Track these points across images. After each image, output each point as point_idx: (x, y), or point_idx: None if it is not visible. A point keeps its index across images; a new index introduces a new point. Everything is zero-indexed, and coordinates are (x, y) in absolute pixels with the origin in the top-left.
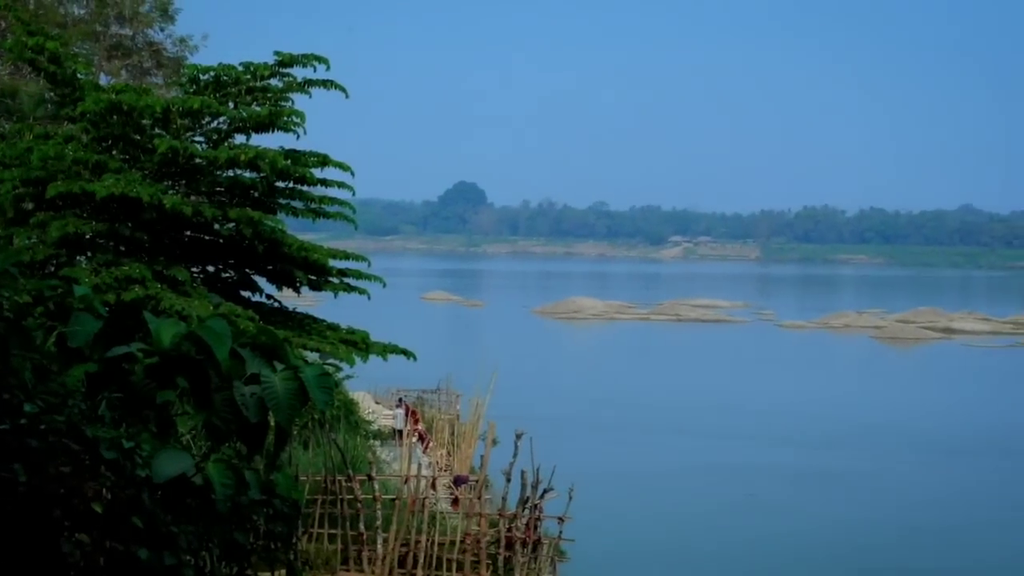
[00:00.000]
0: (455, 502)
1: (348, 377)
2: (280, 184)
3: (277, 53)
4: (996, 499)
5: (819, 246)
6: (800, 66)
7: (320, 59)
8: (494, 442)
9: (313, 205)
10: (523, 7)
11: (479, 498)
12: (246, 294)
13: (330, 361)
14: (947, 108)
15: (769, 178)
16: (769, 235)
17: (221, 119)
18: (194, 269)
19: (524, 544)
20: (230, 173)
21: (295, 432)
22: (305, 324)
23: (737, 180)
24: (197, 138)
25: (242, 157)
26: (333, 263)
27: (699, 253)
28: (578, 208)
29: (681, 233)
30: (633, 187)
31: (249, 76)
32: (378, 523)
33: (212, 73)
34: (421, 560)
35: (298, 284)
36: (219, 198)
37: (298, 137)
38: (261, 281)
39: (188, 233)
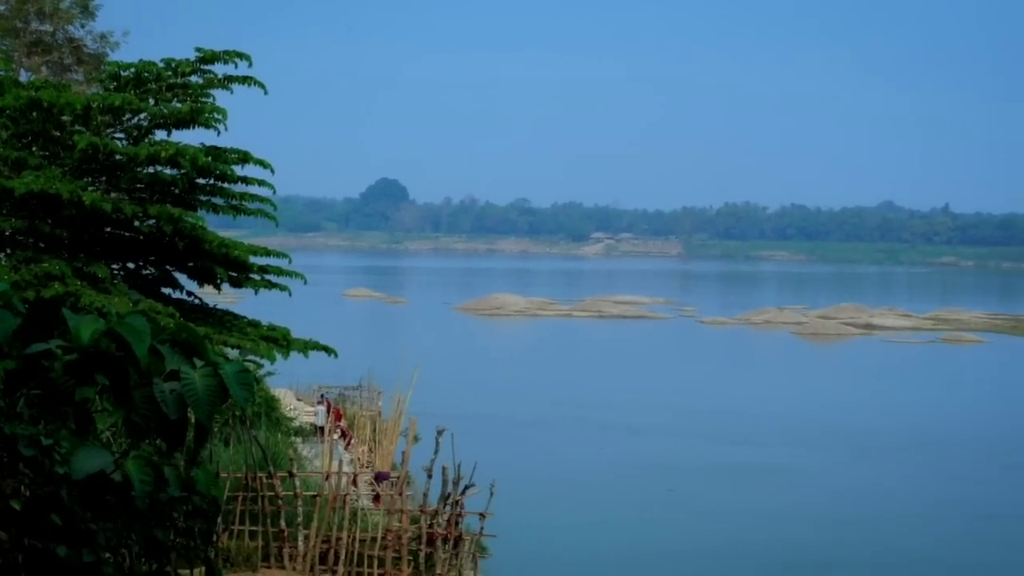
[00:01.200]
0: (376, 498)
1: (269, 374)
2: (201, 181)
3: (198, 49)
4: (914, 493)
5: (741, 243)
6: (721, 64)
7: (241, 56)
8: (416, 439)
9: (234, 202)
10: (445, 2)
11: (400, 494)
12: (167, 291)
13: (250, 358)
14: (866, 106)
15: (691, 175)
16: (691, 232)
17: (142, 115)
18: (114, 266)
19: (445, 540)
20: (150, 170)
21: (216, 429)
22: (226, 321)
23: (659, 177)
24: (117, 134)
25: (163, 154)
26: (254, 260)
27: (621, 250)
28: (500, 205)
29: (603, 230)
30: (555, 184)
31: (170, 73)
32: (299, 520)
33: (133, 70)
34: (342, 557)
35: (219, 281)
36: (139, 195)
37: (219, 133)
38: (182, 278)
39: (108, 230)
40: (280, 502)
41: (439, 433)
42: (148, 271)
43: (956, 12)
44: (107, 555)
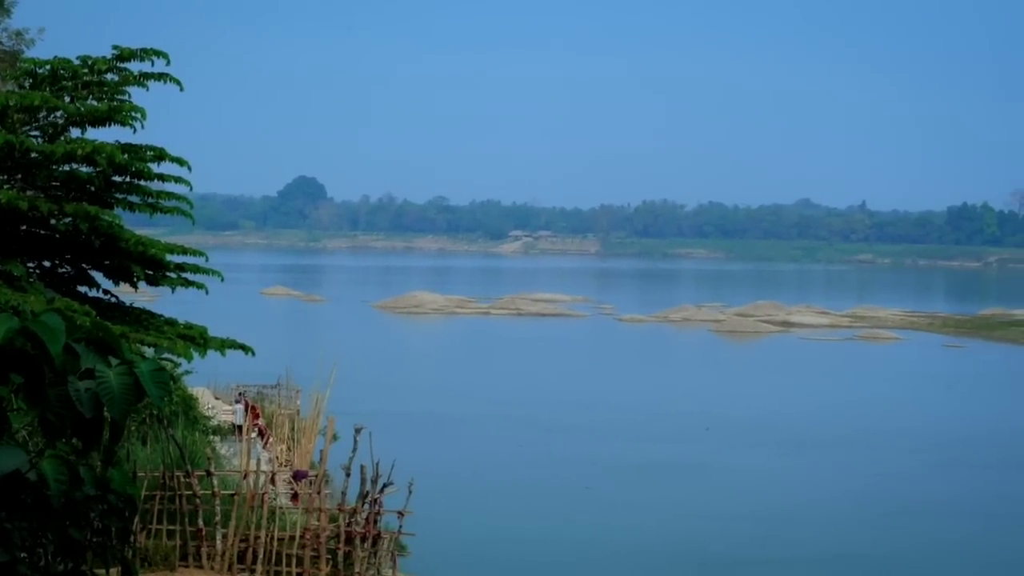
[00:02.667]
0: (295, 497)
1: (187, 373)
2: (117, 178)
3: (115, 47)
4: (832, 489)
5: (658, 240)
6: (639, 64)
7: (159, 53)
8: (334, 437)
9: (150, 200)
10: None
11: (319, 493)
12: (83, 289)
13: (167, 356)
14: (784, 102)
15: (609, 173)
16: (609, 230)
17: (58, 113)
18: (30, 264)
19: (364, 539)
20: (66, 168)
21: (134, 428)
22: (142, 319)
23: (577, 175)
24: (33, 132)
25: (79, 152)
26: (171, 258)
27: (539, 248)
28: (418, 203)
29: (521, 228)
30: (473, 182)
31: (87, 70)
32: (217, 519)
33: (49, 67)
34: (261, 556)
35: (135, 279)
36: (55, 193)
37: (135, 131)
38: (98, 276)
39: (24, 228)
40: (198, 501)
41: (357, 431)
42: (64, 269)
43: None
44: (22, 554)
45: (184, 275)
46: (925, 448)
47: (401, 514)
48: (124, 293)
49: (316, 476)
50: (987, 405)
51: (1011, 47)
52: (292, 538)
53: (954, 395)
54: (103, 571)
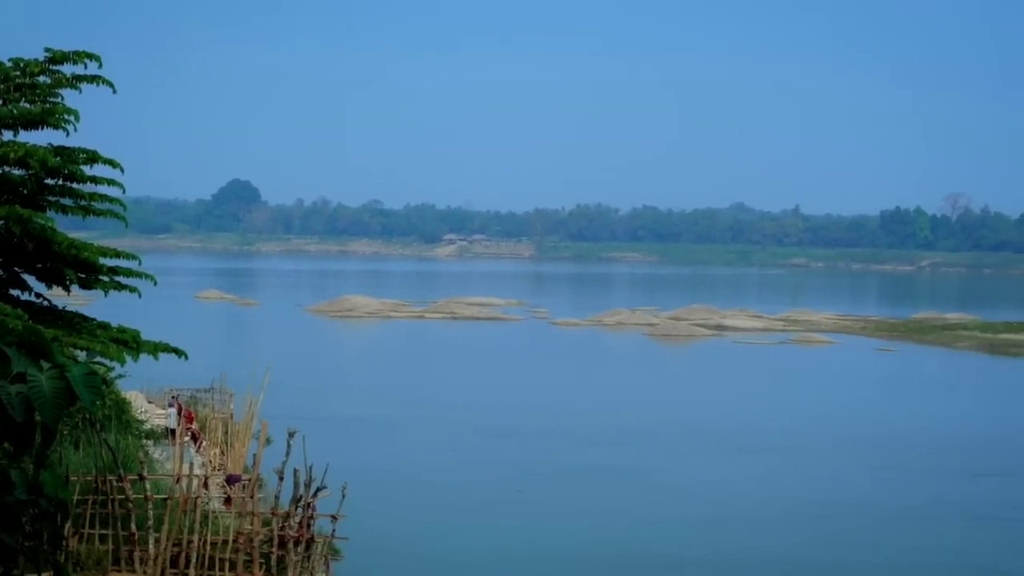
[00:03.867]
0: (228, 501)
1: (120, 376)
2: (50, 181)
3: (48, 49)
4: (764, 493)
5: (593, 244)
6: (569, 67)
7: (91, 56)
8: (267, 441)
9: (83, 202)
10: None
11: (252, 497)
12: (15, 292)
13: (99, 360)
14: (715, 106)
15: (543, 177)
16: (543, 233)
17: None
18: None
19: (297, 543)
20: None
21: (66, 432)
22: (75, 323)
23: (511, 179)
24: None
25: (11, 155)
26: (104, 261)
27: (474, 251)
28: (352, 207)
29: (456, 231)
30: (407, 185)
31: (18, 73)
32: (150, 523)
33: None
34: (193, 560)
35: (68, 282)
36: None
37: (68, 134)
38: (31, 280)
39: None
40: (130, 505)
41: (290, 435)
42: None
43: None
44: None
45: (117, 279)
46: (859, 452)
47: (334, 518)
48: (57, 296)
49: (249, 480)
50: (920, 409)
51: (945, 51)
52: (225, 542)
53: (887, 398)
54: (35, 575)
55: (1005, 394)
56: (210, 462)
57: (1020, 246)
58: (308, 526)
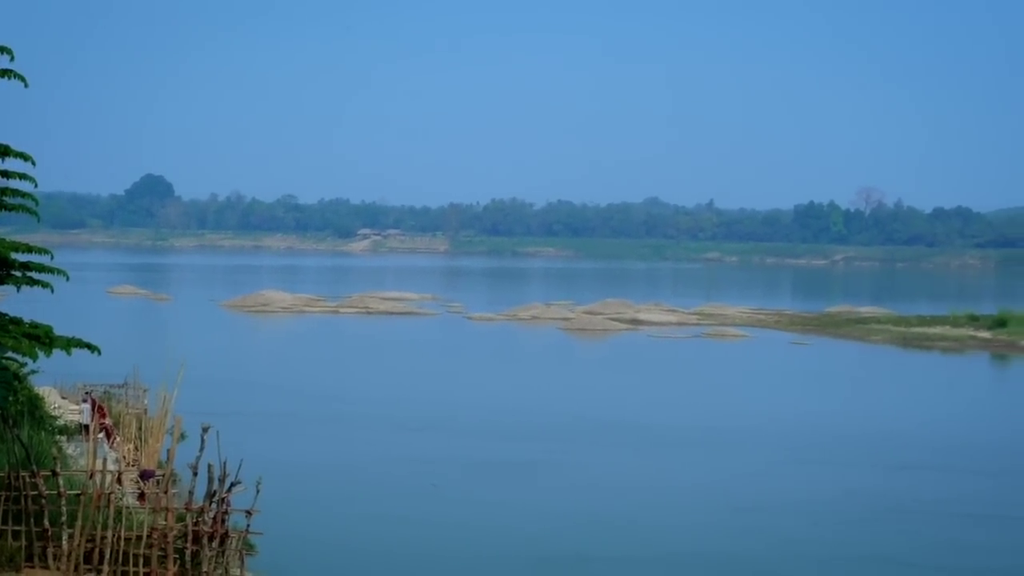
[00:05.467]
0: (142, 497)
1: (33, 372)
2: None
3: None
4: (677, 487)
5: (508, 239)
6: (485, 63)
7: (3, 49)
8: (181, 436)
9: None
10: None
11: (166, 492)
12: None
13: (11, 355)
14: (629, 103)
15: (457, 171)
16: (458, 228)
17: None
18: None
19: (211, 538)
20: None
21: None
22: None
23: (426, 173)
24: None
25: None
26: (15, 256)
27: (388, 246)
28: (267, 201)
29: (370, 226)
30: (321, 180)
31: None
32: (63, 519)
33: None
34: (107, 556)
35: None
36: None
37: None
38: None
39: None
40: (43, 501)
41: (204, 430)
42: None
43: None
44: None
45: (29, 274)
46: (775, 445)
47: (249, 513)
48: None
49: (163, 475)
50: (834, 402)
51: (859, 45)
52: (139, 538)
53: (801, 392)
54: None
55: (919, 387)
56: (124, 458)
57: (932, 240)
58: (222, 521)
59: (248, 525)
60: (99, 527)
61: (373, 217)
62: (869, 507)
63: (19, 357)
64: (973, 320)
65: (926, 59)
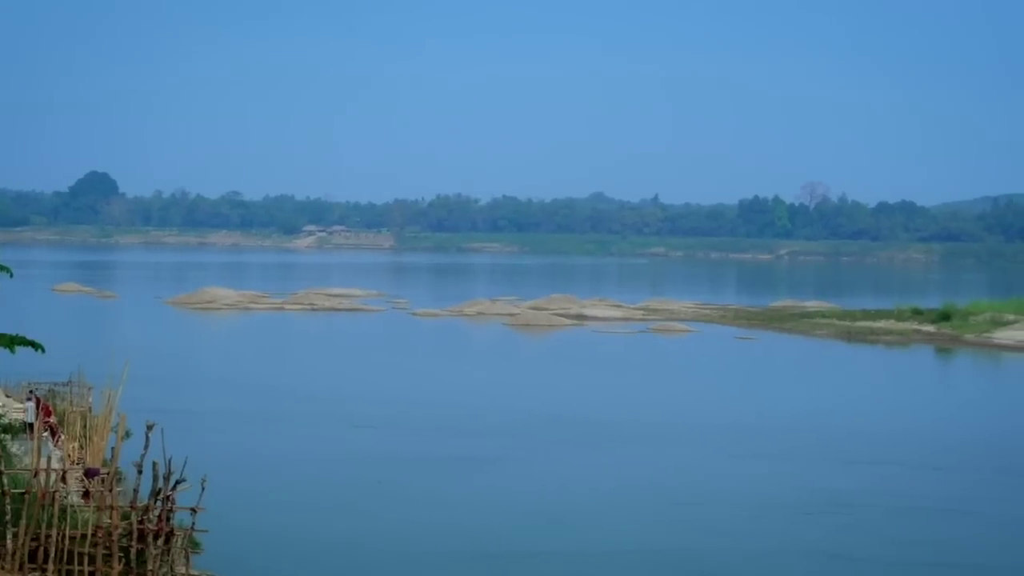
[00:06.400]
0: (87, 495)
1: None
2: None
3: None
4: (624, 483)
5: (453, 234)
6: (431, 58)
7: None
8: (126, 434)
9: None
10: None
11: (111, 491)
12: None
13: None
14: (574, 95)
15: (403, 167)
16: (403, 224)
17: None
18: None
19: (157, 536)
20: None
21: None
22: None
23: (371, 169)
24: None
25: None
26: None
27: (333, 243)
28: (211, 198)
29: (315, 223)
30: (266, 177)
31: None
32: (8, 518)
33: None
34: (52, 554)
35: None
36: None
37: None
38: None
39: None
40: None
41: (149, 428)
42: None
43: None
44: None
45: None
46: (721, 440)
47: (194, 510)
48: None
49: (108, 474)
50: (780, 396)
51: (802, 41)
52: (84, 536)
53: (747, 386)
54: None
55: (863, 381)
56: (69, 456)
57: (877, 234)
58: (167, 519)
59: (193, 523)
60: (44, 526)
61: (318, 213)
62: (812, 501)
63: None
64: (917, 314)
65: (868, 54)
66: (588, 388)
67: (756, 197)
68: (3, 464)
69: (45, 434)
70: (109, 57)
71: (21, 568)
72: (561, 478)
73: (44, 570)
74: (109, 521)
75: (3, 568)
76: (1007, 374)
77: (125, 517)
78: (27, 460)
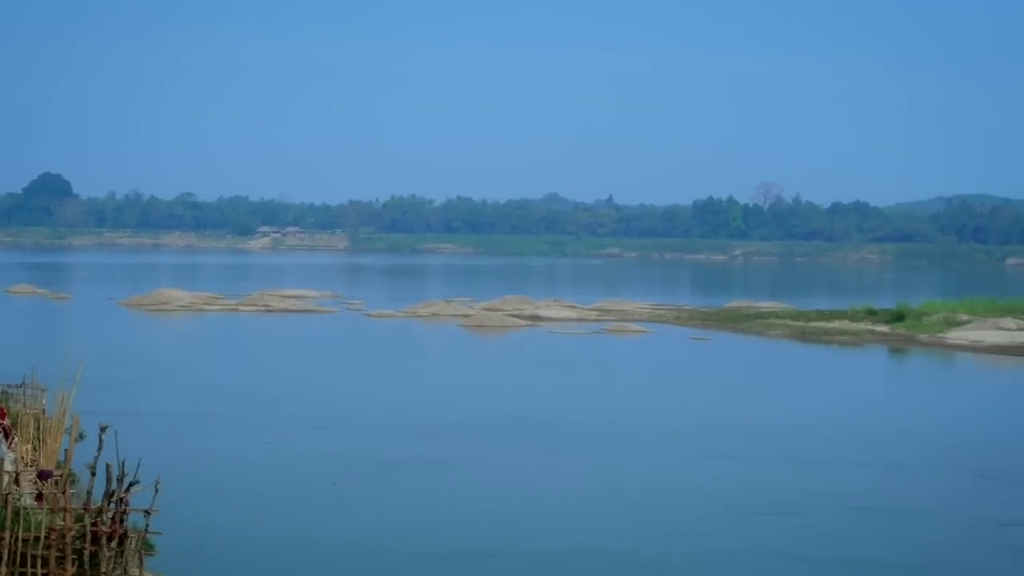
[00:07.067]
0: (40, 497)
1: None
2: None
3: None
4: (579, 484)
5: (407, 236)
6: (381, 62)
7: None
8: (80, 436)
9: None
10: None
11: (64, 493)
12: None
13: None
14: (528, 95)
15: (357, 168)
16: (357, 225)
17: None
18: None
19: (110, 538)
20: None
21: None
22: None
23: (325, 170)
24: None
25: None
26: None
27: (288, 244)
28: (165, 199)
29: (269, 224)
30: (221, 178)
31: None
32: None
33: None
34: (5, 557)
35: None
36: None
37: None
38: None
39: None
40: None
41: (102, 430)
42: None
43: None
44: None
45: None
46: (677, 441)
47: (148, 512)
48: None
49: (61, 476)
50: (732, 396)
51: (757, 40)
52: (37, 539)
53: (702, 387)
54: None
55: (818, 381)
56: (22, 458)
57: (831, 235)
58: (121, 521)
59: (147, 525)
60: None
61: (272, 215)
62: (766, 502)
63: None
64: (871, 314)
65: (821, 53)
66: (542, 389)
67: (710, 198)
68: None
69: None
70: (62, 58)
71: None
72: (515, 479)
73: None
74: (63, 523)
75: None
76: (960, 374)
77: (79, 519)
78: None
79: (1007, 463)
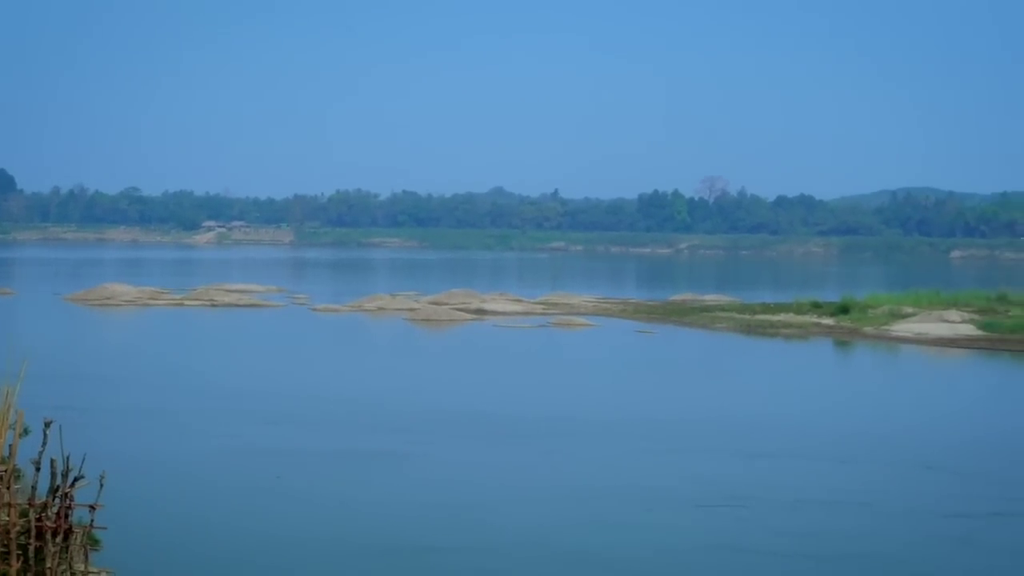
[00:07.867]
0: None
1: None
2: None
3: None
4: (528, 478)
5: (353, 230)
6: (330, 57)
7: None
8: (24, 431)
9: None
10: None
11: (8, 488)
12: None
13: None
14: (475, 90)
15: (302, 162)
16: (303, 219)
17: None
18: None
19: (55, 533)
20: None
21: None
22: None
23: (270, 165)
24: None
25: None
26: None
27: (233, 238)
28: (110, 194)
29: (214, 218)
30: (165, 172)
31: None
32: None
33: None
34: None
35: None
36: None
37: None
38: None
39: None
40: None
41: (47, 425)
42: None
43: None
44: None
45: None
46: (625, 435)
47: (93, 508)
48: None
49: (5, 471)
50: (680, 389)
51: (692, 34)
52: None
53: (648, 380)
54: None
55: (764, 374)
56: None
57: (776, 228)
58: (66, 516)
59: (92, 520)
60: None
61: (217, 209)
62: (710, 494)
63: None
64: (816, 307)
65: (766, 47)
66: (489, 383)
67: (655, 191)
68: None
69: None
70: (2, 54)
71: None
72: (465, 473)
73: None
74: (7, 519)
75: None
76: (905, 367)
77: (23, 514)
78: None
79: (953, 455)
